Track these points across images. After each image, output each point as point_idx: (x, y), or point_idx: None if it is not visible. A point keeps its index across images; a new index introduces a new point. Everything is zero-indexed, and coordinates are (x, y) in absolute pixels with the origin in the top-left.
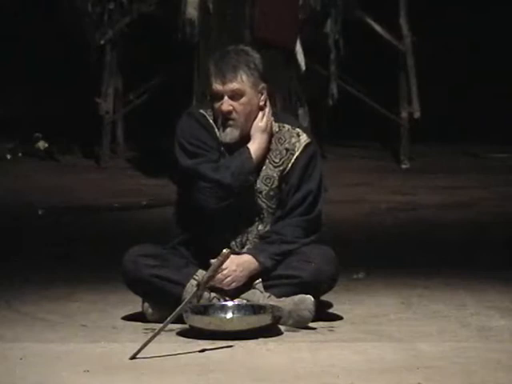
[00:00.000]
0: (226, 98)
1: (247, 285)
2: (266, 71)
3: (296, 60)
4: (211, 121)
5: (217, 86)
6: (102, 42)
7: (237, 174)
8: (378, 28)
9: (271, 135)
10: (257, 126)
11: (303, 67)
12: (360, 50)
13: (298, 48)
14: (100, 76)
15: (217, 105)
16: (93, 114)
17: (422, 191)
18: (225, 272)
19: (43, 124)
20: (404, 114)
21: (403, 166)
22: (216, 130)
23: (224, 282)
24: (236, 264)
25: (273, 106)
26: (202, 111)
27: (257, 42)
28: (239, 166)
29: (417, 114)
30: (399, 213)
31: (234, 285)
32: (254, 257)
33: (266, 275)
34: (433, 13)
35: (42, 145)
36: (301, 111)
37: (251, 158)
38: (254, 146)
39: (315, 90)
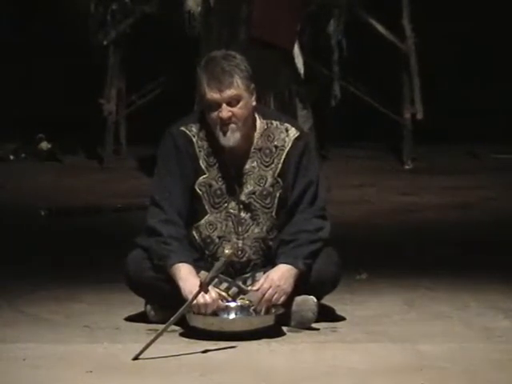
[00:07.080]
0: (224, 105)
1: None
2: (265, 72)
3: (294, 62)
4: (193, 137)
5: (213, 95)
6: (105, 43)
7: (159, 258)
8: (380, 29)
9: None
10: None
11: (301, 70)
12: (363, 51)
13: (296, 50)
14: (103, 77)
15: (214, 114)
16: (96, 114)
17: (425, 192)
18: (270, 291)
19: (46, 125)
20: (407, 115)
21: (406, 167)
22: (196, 146)
23: (274, 299)
24: (278, 279)
25: (267, 106)
26: (182, 128)
27: (254, 41)
28: (168, 265)
29: (420, 115)
30: (402, 213)
31: (283, 298)
32: (291, 264)
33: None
34: (435, 13)
35: (44, 145)
36: (304, 113)
37: (178, 278)
38: (186, 290)
39: (318, 91)
